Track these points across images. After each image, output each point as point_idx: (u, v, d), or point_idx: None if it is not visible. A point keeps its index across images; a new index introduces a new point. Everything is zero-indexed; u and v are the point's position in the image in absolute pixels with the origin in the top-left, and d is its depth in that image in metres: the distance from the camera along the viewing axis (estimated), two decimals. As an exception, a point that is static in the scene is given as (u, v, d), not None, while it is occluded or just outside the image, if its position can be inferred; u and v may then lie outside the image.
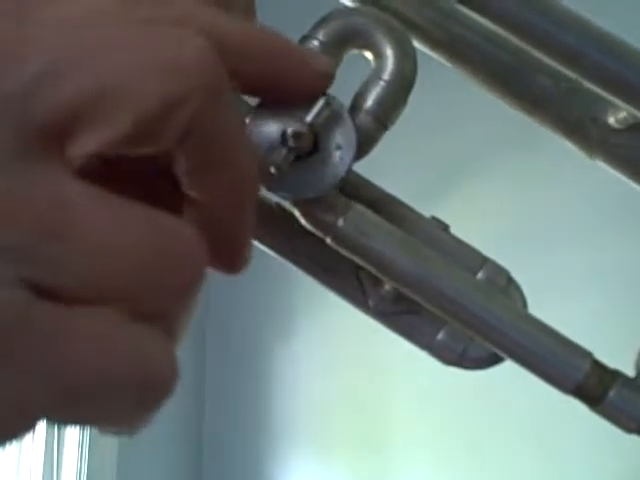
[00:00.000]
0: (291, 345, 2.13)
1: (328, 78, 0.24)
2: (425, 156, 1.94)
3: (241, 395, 2.23)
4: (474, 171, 1.89)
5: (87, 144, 0.17)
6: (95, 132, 0.17)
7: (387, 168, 1.96)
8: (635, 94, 0.26)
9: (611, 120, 0.29)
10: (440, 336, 0.30)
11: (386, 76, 0.27)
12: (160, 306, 0.18)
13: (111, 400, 0.17)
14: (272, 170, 0.25)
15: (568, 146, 0.31)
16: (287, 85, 0.23)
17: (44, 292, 0.16)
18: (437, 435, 1.87)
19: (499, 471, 1.75)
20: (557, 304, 1.64)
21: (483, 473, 1.78)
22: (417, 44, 0.30)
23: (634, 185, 0.30)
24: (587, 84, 0.28)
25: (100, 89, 0.17)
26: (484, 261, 0.29)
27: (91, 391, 0.17)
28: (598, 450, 1.57)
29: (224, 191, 0.20)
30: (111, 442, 1.98)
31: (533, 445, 1.71)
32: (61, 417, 0.17)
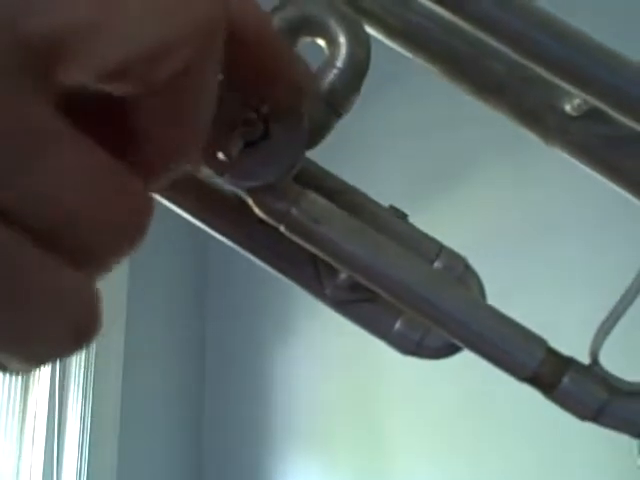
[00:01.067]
0: (291, 345, 2.13)
1: (303, 94, 0.24)
2: (422, 157, 1.94)
3: (241, 395, 2.23)
4: (471, 172, 1.89)
5: (75, 73, 0.17)
6: (83, 61, 0.17)
7: (384, 169, 1.96)
8: (585, 79, 0.26)
9: (567, 107, 0.29)
10: (397, 325, 0.29)
11: (339, 63, 0.27)
12: (96, 255, 0.18)
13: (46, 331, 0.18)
14: (221, 156, 0.25)
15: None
16: (269, 86, 0.23)
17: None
18: (437, 436, 1.86)
19: (499, 473, 1.75)
20: (551, 303, 1.64)
21: (483, 475, 1.77)
22: (373, 32, 0.30)
23: (590, 172, 0.30)
24: (540, 71, 0.27)
25: (96, 19, 0.17)
26: (441, 249, 0.29)
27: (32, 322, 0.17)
28: (598, 456, 1.56)
29: (175, 146, 0.20)
30: (111, 442, 1.98)
31: (533, 449, 1.71)
32: None
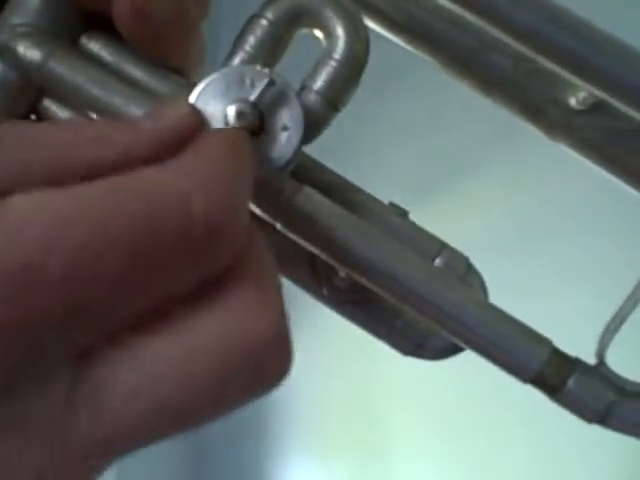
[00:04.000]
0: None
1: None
2: (419, 155, 1.93)
3: None
4: (467, 170, 1.88)
5: None
6: None
7: (380, 167, 1.95)
8: (592, 71, 0.25)
9: (572, 101, 0.28)
10: (397, 326, 0.29)
11: (337, 56, 0.27)
12: None
13: None
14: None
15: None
16: None
17: None
18: (436, 438, 1.85)
19: (500, 474, 1.74)
20: (545, 300, 1.64)
21: (484, 475, 1.77)
22: (373, 25, 0.30)
23: (597, 169, 0.29)
24: (545, 64, 0.27)
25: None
26: (442, 247, 0.28)
27: None
28: (599, 457, 1.56)
29: None
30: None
31: (534, 450, 1.70)
32: None
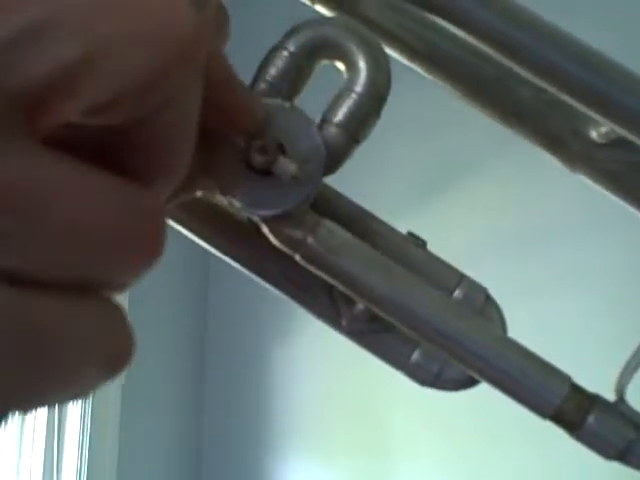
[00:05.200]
0: (291, 346, 2.12)
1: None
2: (419, 158, 1.93)
3: (241, 396, 2.22)
4: (468, 170, 1.88)
5: (61, 115, 0.16)
6: (71, 103, 0.16)
7: (381, 167, 1.95)
8: (616, 110, 0.25)
9: (593, 134, 0.28)
10: (415, 356, 0.29)
11: (358, 88, 0.26)
12: (118, 280, 0.18)
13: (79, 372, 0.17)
14: (232, 185, 0.24)
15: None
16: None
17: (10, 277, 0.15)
18: (437, 437, 1.86)
19: (501, 475, 1.74)
20: (545, 300, 1.64)
21: (485, 476, 1.77)
22: (395, 54, 0.29)
23: (616, 199, 0.29)
24: (567, 99, 0.26)
25: (82, 57, 0.16)
26: (461, 279, 0.28)
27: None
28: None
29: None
30: (111, 442, 1.98)
31: (536, 451, 1.70)
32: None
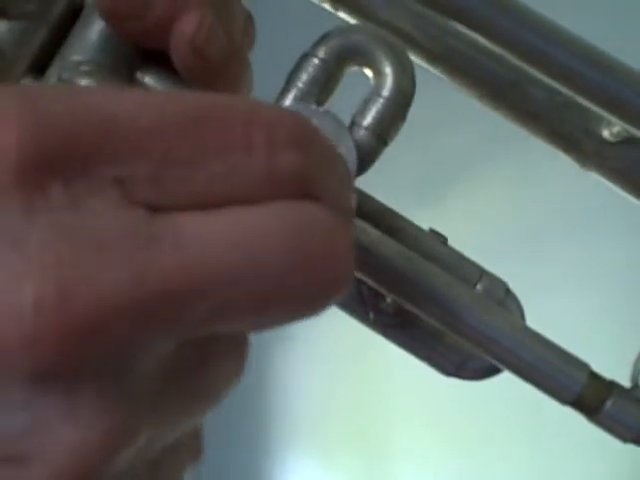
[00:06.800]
0: (291, 347, 2.12)
1: None
2: (419, 158, 1.94)
3: (240, 396, 2.21)
4: (469, 172, 1.89)
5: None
6: None
7: (383, 167, 1.95)
8: (629, 111, 0.27)
9: (605, 133, 0.30)
10: (439, 348, 0.30)
11: (385, 93, 0.28)
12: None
13: None
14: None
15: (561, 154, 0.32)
16: None
17: None
18: (437, 438, 1.86)
19: (502, 476, 1.75)
20: (551, 302, 1.65)
21: (486, 477, 1.78)
22: (414, 58, 0.31)
23: (627, 196, 0.30)
24: (582, 101, 0.28)
25: None
26: (482, 273, 0.30)
27: None
28: (599, 457, 1.58)
29: None
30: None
31: (537, 452, 1.72)
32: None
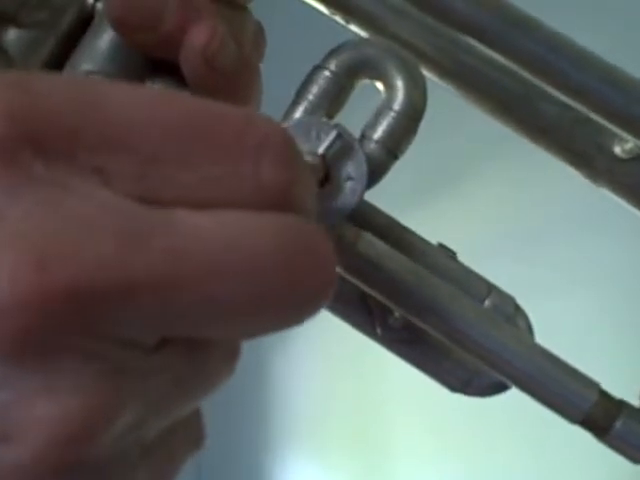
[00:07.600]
0: (290, 347, 2.12)
1: None
2: (419, 158, 1.93)
3: (240, 396, 2.22)
4: (469, 172, 1.89)
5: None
6: None
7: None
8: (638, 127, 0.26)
9: (617, 149, 0.30)
10: (446, 363, 0.30)
11: (396, 106, 0.28)
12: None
13: None
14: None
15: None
16: None
17: None
18: (438, 439, 1.86)
19: (499, 477, 1.75)
20: (551, 303, 1.65)
21: (482, 477, 1.77)
22: (425, 72, 0.30)
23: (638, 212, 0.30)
24: (593, 116, 0.28)
25: None
26: (491, 289, 0.30)
27: None
28: (598, 459, 1.57)
29: None
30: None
31: (535, 453, 1.71)
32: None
